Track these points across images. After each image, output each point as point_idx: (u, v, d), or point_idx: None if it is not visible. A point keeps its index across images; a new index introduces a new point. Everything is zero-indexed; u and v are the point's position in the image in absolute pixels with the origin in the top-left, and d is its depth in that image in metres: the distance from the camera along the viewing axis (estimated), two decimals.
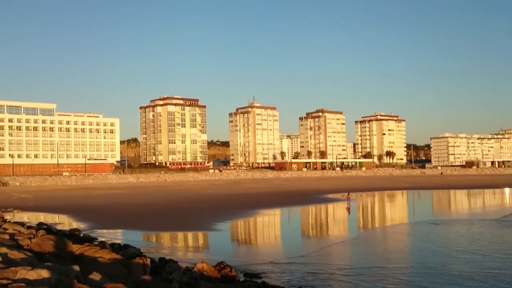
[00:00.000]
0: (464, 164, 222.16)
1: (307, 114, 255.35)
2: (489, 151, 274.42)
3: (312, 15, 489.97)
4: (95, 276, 10.29)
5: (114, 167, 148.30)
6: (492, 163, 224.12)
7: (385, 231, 29.72)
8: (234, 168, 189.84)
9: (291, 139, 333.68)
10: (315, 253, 21.79)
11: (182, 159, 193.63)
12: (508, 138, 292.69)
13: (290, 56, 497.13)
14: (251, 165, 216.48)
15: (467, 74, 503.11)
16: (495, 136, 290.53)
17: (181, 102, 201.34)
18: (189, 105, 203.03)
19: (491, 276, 16.80)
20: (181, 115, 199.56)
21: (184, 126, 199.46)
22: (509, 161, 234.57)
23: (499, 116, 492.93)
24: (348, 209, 43.39)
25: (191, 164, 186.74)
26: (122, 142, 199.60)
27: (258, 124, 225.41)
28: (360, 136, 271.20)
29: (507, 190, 77.43)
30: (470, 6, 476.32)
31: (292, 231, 32.48)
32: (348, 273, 17.41)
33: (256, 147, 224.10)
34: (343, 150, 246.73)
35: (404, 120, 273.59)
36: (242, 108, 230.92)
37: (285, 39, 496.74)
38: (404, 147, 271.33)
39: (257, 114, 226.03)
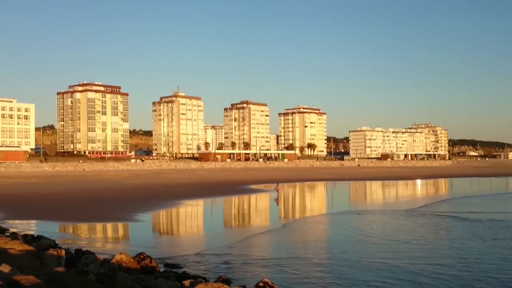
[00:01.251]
0: (380, 156, 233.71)
1: (232, 105, 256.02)
2: (403, 144, 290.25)
3: (236, 7, 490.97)
4: (4, 268, 9.71)
5: (28, 155, 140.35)
6: (406, 156, 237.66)
7: (308, 221, 30.53)
8: (157, 158, 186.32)
9: (216, 129, 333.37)
10: (237, 243, 21.93)
11: (102, 148, 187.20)
12: (420, 133, 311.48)
13: (216, 47, 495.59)
14: (174, 156, 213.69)
15: (384, 71, 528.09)
16: (409, 130, 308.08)
17: (102, 89, 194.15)
18: (110, 92, 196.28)
19: (412, 264, 17.79)
20: (102, 103, 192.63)
21: (105, 114, 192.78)
22: (421, 154, 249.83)
23: (412, 112, 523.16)
24: (277, 200, 44.10)
25: (111, 153, 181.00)
26: (37, 129, 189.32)
27: (182, 114, 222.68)
28: (283, 128, 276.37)
29: (418, 181, 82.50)
30: (390, 3, 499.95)
31: (215, 221, 32.55)
32: (268, 263, 17.68)
33: (180, 137, 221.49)
34: (266, 141, 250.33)
35: (325, 113, 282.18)
36: (166, 97, 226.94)
37: (210, 30, 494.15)
38: (325, 139, 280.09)
39: (181, 104, 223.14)
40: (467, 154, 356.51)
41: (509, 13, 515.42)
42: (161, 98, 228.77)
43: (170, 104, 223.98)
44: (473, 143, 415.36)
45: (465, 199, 44.75)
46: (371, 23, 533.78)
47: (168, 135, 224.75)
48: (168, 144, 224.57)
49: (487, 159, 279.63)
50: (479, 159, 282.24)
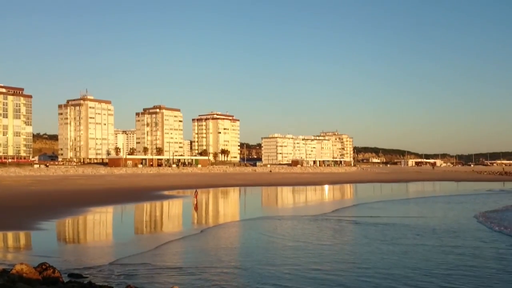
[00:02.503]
0: (291, 162, 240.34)
1: (144, 109, 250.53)
2: (311, 151, 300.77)
3: (145, 7, 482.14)
4: None
5: None
6: (314, 162, 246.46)
7: (223, 227, 30.31)
8: (63, 164, 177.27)
9: (127, 134, 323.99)
10: (149, 251, 21.39)
11: (3, 153, 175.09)
12: (328, 140, 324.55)
13: (128, 48, 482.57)
14: (82, 161, 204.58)
15: (294, 81, 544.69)
16: (317, 138, 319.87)
17: (4, 90, 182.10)
18: (12, 94, 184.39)
19: (335, 270, 18.41)
20: (3, 105, 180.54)
21: (6, 117, 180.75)
22: (328, 161, 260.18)
23: (320, 120, 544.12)
24: (196, 206, 43.62)
25: (13, 158, 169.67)
26: None
27: (91, 117, 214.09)
28: (197, 134, 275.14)
29: (326, 187, 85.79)
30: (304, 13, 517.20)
31: (126, 229, 31.53)
32: (181, 271, 17.37)
33: (89, 141, 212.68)
34: (180, 147, 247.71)
35: (238, 120, 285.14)
36: (74, 100, 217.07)
37: (122, 30, 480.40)
38: (238, 145, 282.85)
39: (90, 107, 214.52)
40: (370, 160, 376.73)
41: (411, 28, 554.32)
42: (67, 101, 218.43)
43: (77, 108, 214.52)
44: (376, 151, 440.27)
45: (372, 204, 47.23)
46: (279, 28, 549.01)
47: (75, 139, 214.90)
48: (75, 149, 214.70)
49: (388, 165, 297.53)
50: (381, 165, 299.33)
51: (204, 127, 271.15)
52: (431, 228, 28.64)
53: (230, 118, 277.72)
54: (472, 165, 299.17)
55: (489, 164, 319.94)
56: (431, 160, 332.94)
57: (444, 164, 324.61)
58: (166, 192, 62.84)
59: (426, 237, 25.35)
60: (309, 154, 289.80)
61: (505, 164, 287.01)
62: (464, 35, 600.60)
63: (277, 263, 18.78)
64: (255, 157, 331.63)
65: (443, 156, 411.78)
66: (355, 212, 39.20)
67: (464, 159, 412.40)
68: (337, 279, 16.19)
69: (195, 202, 46.18)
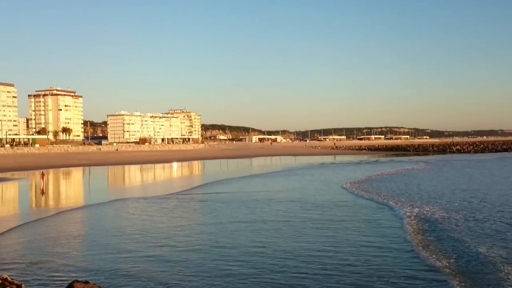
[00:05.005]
0: (138, 140, 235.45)
1: None
2: (160, 128, 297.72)
3: None
4: None
5: None
6: (163, 139, 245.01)
7: (62, 215, 28.23)
8: None
9: None
10: None
11: None
12: (176, 118, 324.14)
13: None
14: None
15: (145, 56, 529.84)
16: (166, 115, 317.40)
17: None
18: None
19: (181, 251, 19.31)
20: None
21: None
22: (177, 138, 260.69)
23: (169, 97, 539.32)
24: (42, 190, 41.04)
25: None
26: None
27: None
28: (34, 111, 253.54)
29: (175, 164, 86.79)
30: None
31: None
32: (15, 266, 16.14)
33: None
34: (14, 125, 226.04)
35: (81, 96, 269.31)
36: None
37: None
38: (82, 123, 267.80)
39: None
40: (217, 137, 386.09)
41: None
42: None
43: None
44: (223, 128, 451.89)
45: (223, 180, 49.04)
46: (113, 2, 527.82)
47: None
48: None
49: (234, 142, 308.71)
50: (227, 142, 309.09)
51: (42, 104, 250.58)
52: (313, 200, 31.49)
53: (72, 94, 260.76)
54: (308, 141, 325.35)
55: (322, 139, 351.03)
56: (273, 137, 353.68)
57: (284, 140, 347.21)
58: None
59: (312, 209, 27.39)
60: (158, 132, 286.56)
61: (336, 139, 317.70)
62: None
63: (128, 249, 19.34)
64: (101, 135, 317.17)
65: (283, 133, 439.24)
66: (207, 189, 40.80)
67: (301, 135, 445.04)
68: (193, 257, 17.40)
69: (42, 185, 43.84)
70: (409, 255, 16.29)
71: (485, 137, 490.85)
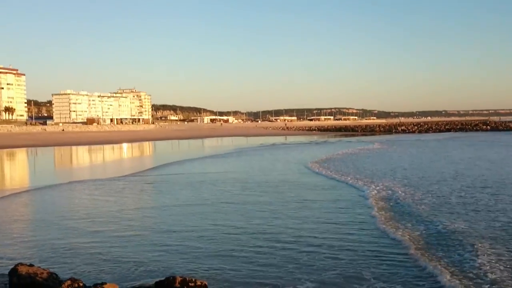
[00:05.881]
0: (86, 121, 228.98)
1: None
2: (108, 109, 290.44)
3: None
4: None
5: None
6: (112, 120, 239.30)
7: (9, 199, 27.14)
8: None
9: None
10: None
11: None
12: (125, 97, 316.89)
13: None
14: None
15: (91, 34, 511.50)
16: (114, 95, 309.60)
17: None
18: None
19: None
20: None
21: None
22: (126, 119, 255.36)
23: (117, 76, 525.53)
24: None
25: None
26: None
27: None
28: None
29: (125, 145, 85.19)
30: None
31: None
32: None
33: None
34: None
35: (24, 74, 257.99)
36: None
37: None
38: (25, 102, 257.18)
39: None
40: (169, 118, 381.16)
41: None
42: None
43: None
44: (174, 108, 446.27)
45: (175, 162, 48.48)
46: None
47: None
48: None
49: (186, 123, 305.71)
50: (179, 123, 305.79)
51: None
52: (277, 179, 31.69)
53: (14, 72, 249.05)
54: (259, 121, 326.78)
55: (273, 120, 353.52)
56: (224, 117, 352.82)
57: (236, 121, 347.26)
58: None
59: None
60: (106, 112, 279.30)
61: (287, 120, 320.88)
62: None
63: (71, 233, 19.04)
64: (46, 115, 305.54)
65: (235, 113, 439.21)
66: (157, 171, 40.38)
67: (253, 116, 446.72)
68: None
69: None
70: (373, 227, 17.03)
71: (429, 117, 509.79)
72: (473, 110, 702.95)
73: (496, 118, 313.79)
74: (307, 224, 17.85)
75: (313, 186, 28.14)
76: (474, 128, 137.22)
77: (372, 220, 18.09)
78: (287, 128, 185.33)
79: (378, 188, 25.83)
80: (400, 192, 24.05)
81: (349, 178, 30.51)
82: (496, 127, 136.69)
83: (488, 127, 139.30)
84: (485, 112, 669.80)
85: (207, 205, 22.65)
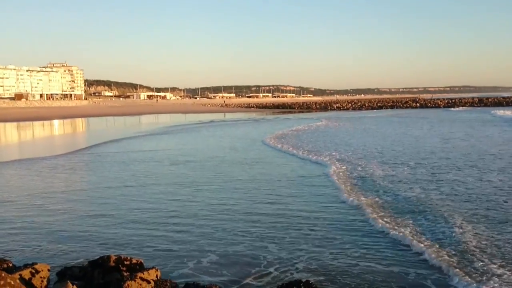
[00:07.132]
0: (14, 96, 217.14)
1: None
2: (38, 83, 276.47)
3: None
4: None
5: None
6: (41, 95, 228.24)
7: None
8: None
9: None
10: None
11: None
12: (56, 72, 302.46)
13: None
14: None
15: (14, 3, 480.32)
16: (44, 70, 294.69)
17: None
18: None
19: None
20: None
21: None
22: (57, 94, 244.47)
23: (47, 50, 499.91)
24: None
25: None
26: None
27: None
28: None
29: (56, 122, 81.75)
30: None
31: None
32: None
33: None
34: None
35: None
36: None
37: None
38: None
39: None
40: (103, 94, 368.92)
41: None
42: None
43: None
44: (108, 84, 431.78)
45: (112, 141, 47.12)
46: None
47: None
48: None
49: (121, 99, 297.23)
50: (113, 99, 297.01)
51: None
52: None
53: None
54: (198, 98, 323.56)
55: (212, 97, 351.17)
56: (162, 94, 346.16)
57: (174, 97, 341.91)
58: None
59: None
60: (35, 87, 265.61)
61: (226, 97, 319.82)
62: None
63: None
64: None
65: (173, 90, 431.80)
66: (90, 150, 39.19)
67: (191, 93, 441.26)
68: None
69: None
70: (337, 199, 17.41)
71: (362, 95, 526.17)
72: (403, 88, 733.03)
73: (428, 96, 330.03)
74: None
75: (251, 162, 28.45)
76: (405, 106, 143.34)
77: (337, 191, 18.68)
78: (226, 105, 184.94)
79: (343, 160, 26.57)
80: (360, 164, 24.87)
81: (304, 150, 31.11)
82: (425, 104, 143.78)
83: (418, 104, 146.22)
84: (415, 90, 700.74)
85: (163, 185, 22.37)
